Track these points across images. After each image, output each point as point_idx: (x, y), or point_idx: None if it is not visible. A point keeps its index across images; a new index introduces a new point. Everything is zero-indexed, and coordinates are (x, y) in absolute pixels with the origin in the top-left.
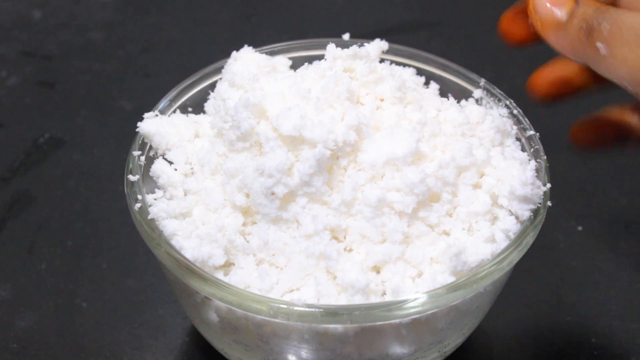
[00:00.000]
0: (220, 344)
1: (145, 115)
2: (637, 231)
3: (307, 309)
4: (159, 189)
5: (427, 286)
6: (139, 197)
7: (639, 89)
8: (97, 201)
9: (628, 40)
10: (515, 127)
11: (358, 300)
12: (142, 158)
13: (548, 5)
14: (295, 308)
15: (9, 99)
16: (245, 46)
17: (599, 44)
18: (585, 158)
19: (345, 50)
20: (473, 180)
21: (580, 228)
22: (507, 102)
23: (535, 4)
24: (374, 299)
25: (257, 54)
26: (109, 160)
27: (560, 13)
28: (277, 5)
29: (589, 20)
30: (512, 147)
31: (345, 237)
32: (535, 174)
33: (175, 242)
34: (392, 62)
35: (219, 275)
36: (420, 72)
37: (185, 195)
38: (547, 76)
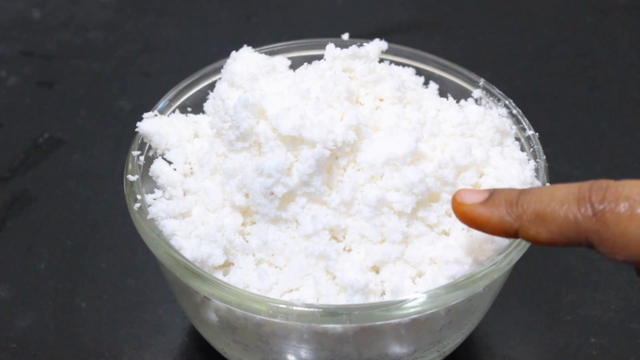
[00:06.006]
0: (219, 344)
1: (145, 115)
2: None
3: (306, 309)
4: (158, 188)
5: (427, 286)
6: (138, 197)
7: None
8: (97, 201)
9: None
10: (514, 127)
11: (357, 300)
12: (142, 158)
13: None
14: (295, 308)
15: (9, 98)
16: (245, 46)
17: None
18: (584, 157)
19: (345, 50)
20: (472, 180)
21: None
22: (507, 102)
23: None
24: (373, 299)
25: (257, 53)
26: (108, 160)
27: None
28: (277, 5)
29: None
30: (512, 147)
31: (344, 237)
32: (535, 174)
33: (174, 242)
34: (391, 62)
35: (218, 275)
36: (419, 72)
37: (184, 195)
38: None
